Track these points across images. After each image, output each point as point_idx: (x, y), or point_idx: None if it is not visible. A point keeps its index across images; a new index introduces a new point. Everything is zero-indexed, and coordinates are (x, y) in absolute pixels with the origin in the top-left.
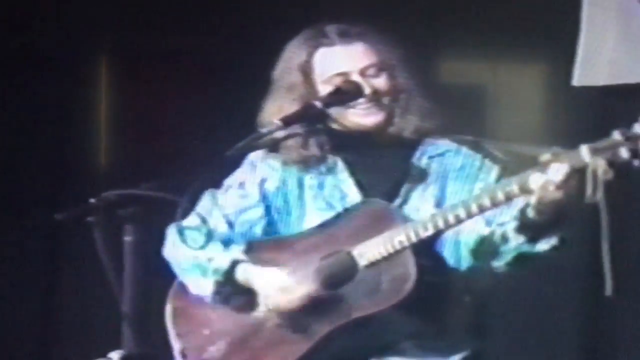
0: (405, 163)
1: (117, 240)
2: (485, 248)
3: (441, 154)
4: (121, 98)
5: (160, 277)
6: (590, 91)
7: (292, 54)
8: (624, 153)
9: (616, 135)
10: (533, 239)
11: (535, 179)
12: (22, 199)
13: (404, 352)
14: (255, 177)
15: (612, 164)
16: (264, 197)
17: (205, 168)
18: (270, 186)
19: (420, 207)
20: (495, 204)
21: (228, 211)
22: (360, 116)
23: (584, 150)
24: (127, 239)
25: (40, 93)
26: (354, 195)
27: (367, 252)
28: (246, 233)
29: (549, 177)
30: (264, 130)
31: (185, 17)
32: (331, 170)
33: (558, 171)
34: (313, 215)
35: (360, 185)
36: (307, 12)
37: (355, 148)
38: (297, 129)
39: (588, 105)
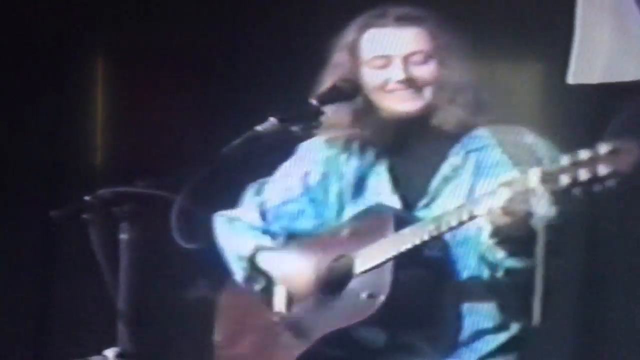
0: (443, 157)
1: (113, 237)
2: (487, 258)
3: (479, 149)
4: (116, 95)
5: (155, 275)
6: (586, 89)
7: (346, 32)
8: (563, 180)
9: (563, 161)
10: (513, 254)
11: (480, 206)
12: (18, 196)
13: None
14: (300, 169)
15: (554, 192)
16: (306, 191)
17: (201, 166)
18: (313, 179)
19: (448, 204)
20: (453, 228)
21: (270, 203)
22: (395, 102)
23: (532, 176)
24: (123, 236)
25: (35, 90)
26: (386, 192)
27: (362, 259)
28: (287, 225)
29: (493, 202)
30: (259, 127)
31: (180, 14)
32: (371, 162)
33: (500, 196)
34: (350, 210)
35: (395, 179)
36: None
37: (396, 138)
38: (342, 109)
39: (583, 103)
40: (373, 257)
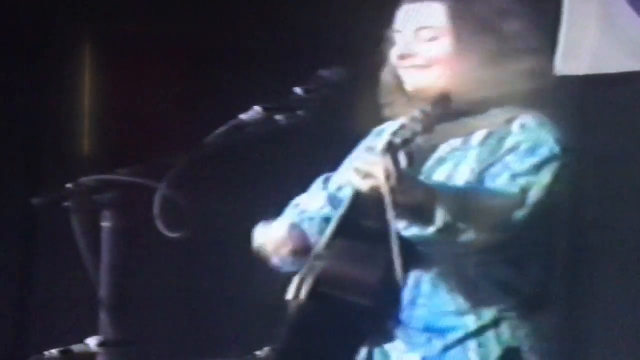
0: (446, 137)
1: (95, 226)
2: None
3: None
4: (100, 83)
5: (138, 263)
6: (572, 81)
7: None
8: (396, 139)
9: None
10: (411, 224)
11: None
12: None
13: None
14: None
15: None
16: None
17: (184, 154)
18: None
19: None
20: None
21: (332, 187)
22: (405, 77)
23: (384, 138)
24: (105, 224)
25: (18, 78)
26: None
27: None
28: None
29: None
30: (244, 116)
31: (164, 3)
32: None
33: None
34: None
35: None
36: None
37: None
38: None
39: (570, 95)
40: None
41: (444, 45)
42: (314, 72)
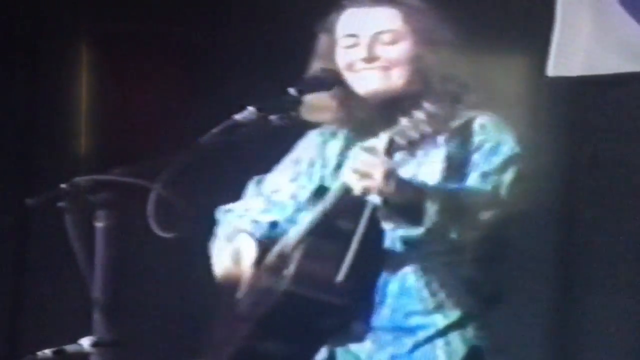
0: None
1: (89, 225)
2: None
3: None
4: (94, 83)
5: (131, 263)
6: (565, 82)
7: (330, 14)
8: (400, 141)
9: (401, 122)
10: (400, 224)
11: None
12: None
13: None
14: (293, 157)
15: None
16: (295, 178)
17: (178, 154)
18: (302, 167)
19: None
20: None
21: (265, 192)
22: (361, 82)
23: (382, 138)
24: (99, 224)
25: (12, 76)
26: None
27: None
28: (275, 213)
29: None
30: (238, 116)
31: (159, 3)
32: (348, 146)
33: (355, 159)
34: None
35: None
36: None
37: (368, 120)
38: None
39: (562, 95)
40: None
41: (403, 47)
42: (307, 72)
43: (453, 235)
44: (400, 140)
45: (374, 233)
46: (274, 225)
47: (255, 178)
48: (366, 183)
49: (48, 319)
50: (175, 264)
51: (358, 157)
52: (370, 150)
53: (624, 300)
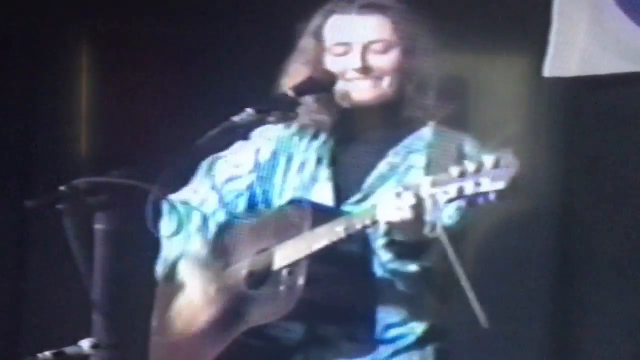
0: (385, 152)
1: (88, 228)
2: (379, 257)
3: (419, 150)
4: (92, 85)
5: (130, 266)
6: (561, 82)
7: (313, 17)
8: (451, 191)
9: (452, 171)
10: (399, 258)
11: (379, 211)
12: None
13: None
14: (252, 146)
15: (443, 201)
16: (255, 168)
17: (177, 156)
18: (262, 156)
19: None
20: (360, 231)
21: (219, 179)
22: (352, 90)
23: (424, 184)
24: (98, 226)
25: (11, 78)
26: (322, 181)
27: (280, 255)
28: (231, 202)
29: (387, 210)
30: (235, 118)
31: (156, 6)
32: (319, 149)
33: (405, 201)
34: (289, 193)
35: (335, 170)
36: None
37: (349, 127)
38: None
39: (559, 96)
40: (288, 254)
41: (394, 56)
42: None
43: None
44: (442, 197)
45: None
46: (222, 228)
47: (207, 161)
48: (404, 223)
49: (47, 321)
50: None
51: (408, 196)
52: (427, 196)
53: (623, 300)
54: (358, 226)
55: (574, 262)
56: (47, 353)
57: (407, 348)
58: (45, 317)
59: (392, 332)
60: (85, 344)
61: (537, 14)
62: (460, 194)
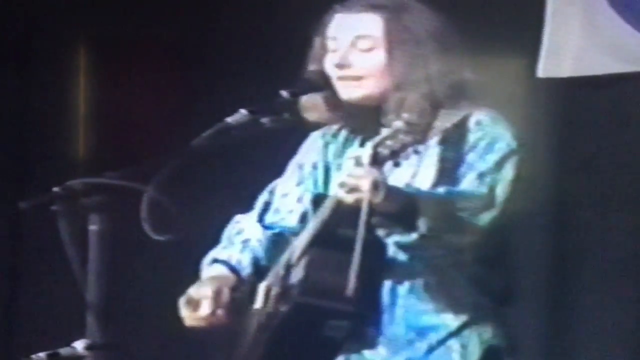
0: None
1: (82, 229)
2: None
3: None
4: (87, 86)
5: (124, 267)
6: (555, 83)
7: (323, 17)
8: (384, 151)
9: (384, 132)
10: (393, 231)
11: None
12: None
13: None
14: (297, 161)
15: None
16: (300, 182)
17: (171, 157)
18: (306, 171)
19: None
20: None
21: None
22: (340, 88)
23: (367, 148)
24: (92, 228)
25: (5, 80)
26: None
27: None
28: (280, 220)
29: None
30: (230, 119)
31: (151, 6)
32: (347, 148)
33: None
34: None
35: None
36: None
37: (355, 125)
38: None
39: (552, 97)
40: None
41: (379, 56)
42: (300, 75)
43: (450, 240)
44: (383, 150)
45: (375, 239)
46: (277, 236)
47: (268, 187)
48: (355, 195)
49: (42, 322)
50: (169, 267)
51: (344, 168)
52: (356, 162)
53: (618, 300)
54: (327, 213)
55: (568, 262)
56: (42, 354)
57: (443, 341)
58: (40, 319)
59: (424, 320)
60: (79, 345)
61: (530, 14)
62: (393, 152)
